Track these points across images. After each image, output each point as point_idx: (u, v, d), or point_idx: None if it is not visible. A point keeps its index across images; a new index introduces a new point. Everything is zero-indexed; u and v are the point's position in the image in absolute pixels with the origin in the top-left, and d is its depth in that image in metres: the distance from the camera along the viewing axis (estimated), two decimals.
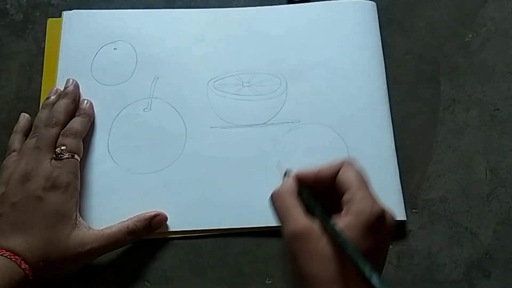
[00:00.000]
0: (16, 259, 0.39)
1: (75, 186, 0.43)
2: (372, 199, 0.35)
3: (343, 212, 0.35)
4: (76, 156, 0.44)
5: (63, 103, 0.47)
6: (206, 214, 0.46)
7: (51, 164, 0.43)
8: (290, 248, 0.35)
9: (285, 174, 0.41)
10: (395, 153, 0.48)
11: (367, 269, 0.31)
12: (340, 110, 0.50)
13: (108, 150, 0.48)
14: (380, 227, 0.35)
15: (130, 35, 0.52)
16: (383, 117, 0.50)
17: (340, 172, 0.37)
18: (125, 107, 0.50)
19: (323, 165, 0.38)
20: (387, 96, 0.51)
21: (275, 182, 0.47)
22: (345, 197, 0.36)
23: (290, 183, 0.38)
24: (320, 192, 0.38)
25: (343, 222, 0.34)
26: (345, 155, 0.48)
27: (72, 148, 0.44)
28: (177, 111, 0.50)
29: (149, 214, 0.45)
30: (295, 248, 0.35)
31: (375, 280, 0.31)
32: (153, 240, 0.46)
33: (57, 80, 0.50)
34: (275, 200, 0.38)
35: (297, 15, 0.53)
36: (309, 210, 0.36)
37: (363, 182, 0.37)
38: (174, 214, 0.46)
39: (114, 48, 0.52)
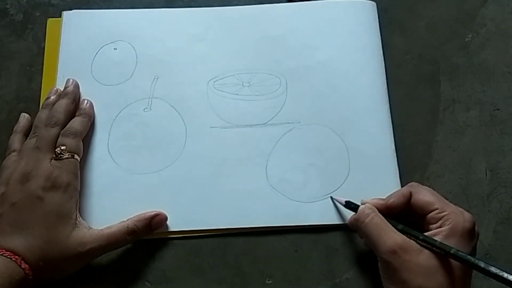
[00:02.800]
0: (16, 259, 0.39)
1: (75, 186, 0.43)
2: (459, 209, 0.40)
3: (435, 229, 0.39)
4: (76, 156, 0.44)
5: (63, 103, 0.47)
6: (206, 214, 0.46)
7: (51, 164, 0.43)
8: (391, 264, 0.38)
9: (346, 204, 0.45)
10: (395, 153, 0.48)
11: (481, 263, 0.35)
12: (340, 110, 0.50)
13: (108, 150, 0.48)
14: (473, 234, 0.39)
15: (130, 35, 0.52)
16: (383, 117, 0.50)
17: (414, 197, 0.41)
18: (125, 107, 0.50)
19: (390, 196, 0.42)
20: (387, 96, 0.51)
21: (275, 182, 0.47)
22: (432, 215, 0.39)
23: (371, 206, 0.42)
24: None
25: (440, 235, 0.38)
26: (345, 155, 0.48)
27: (72, 148, 0.44)
28: (177, 111, 0.50)
29: (149, 214, 0.45)
30: (397, 263, 0.37)
31: (494, 269, 0.35)
32: (153, 240, 0.46)
33: (57, 80, 0.50)
34: (365, 219, 0.41)
35: (297, 14, 0.53)
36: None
37: (441, 197, 0.41)
38: (174, 214, 0.46)
39: (114, 48, 0.52)
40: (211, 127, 0.49)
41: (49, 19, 0.53)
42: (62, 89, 0.49)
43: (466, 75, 0.52)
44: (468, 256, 0.36)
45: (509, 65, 0.53)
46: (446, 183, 0.48)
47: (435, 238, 0.38)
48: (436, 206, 0.40)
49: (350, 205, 0.44)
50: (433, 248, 0.38)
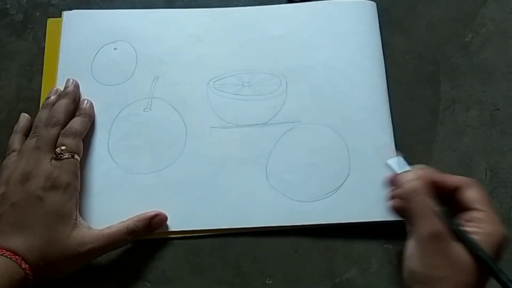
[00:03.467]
0: (16, 259, 0.39)
1: (75, 186, 0.43)
2: (499, 219, 0.38)
3: (474, 228, 0.38)
4: (76, 156, 0.44)
5: (63, 103, 0.47)
6: (206, 214, 0.46)
7: (51, 164, 0.43)
8: (427, 246, 0.37)
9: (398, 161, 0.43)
10: (395, 153, 0.48)
11: (504, 277, 0.35)
12: (340, 110, 0.50)
13: (108, 150, 0.48)
14: (505, 249, 0.38)
15: (130, 35, 0.52)
16: (383, 117, 0.50)
17: (470, 187, 0.40)
18: (125, 107, 0.50)
19: (448, 175, 0.41)
20: (387, 96, 0.51)
21: (275, 182, 0.47)
22: (474, 214, 0.38)
23: (421, 183, 0.40)
24: (433, 195, 0.40)
25: (477, 237, 0.37)
26: (345, 155, 0.48)
27: (72, 148, 0.44)
28: (177, 111, 0.50)
29: (149, 214, 0.45)
30: (433, 247, 0.37)
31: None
32: (153, 240, 0.46)
33: (57, 80, 0.50)
34: (416, 196, 0.39)
35: (297, 14, 0.53)
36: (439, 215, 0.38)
37: (492, 203, 0.39)
38: (174, 214, 0.46)
39: (114, 48, 0.52)
40: (211, 127, 0.49)
41: (49, 19, 0.53)
42: (62, 89, 0.49)
43: (466, 75, 0.52)
44: (494, 264, 0.36)
45: (509, 65, 0.53)
46: None
47: (474, 237, 0.37)
48: (480, 207, 0.38)
49: (402, 163, 0.42)
50: (463, 242, 0.37)
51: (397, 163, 0.43)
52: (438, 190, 0.40)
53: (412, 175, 0.41)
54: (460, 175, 0.48)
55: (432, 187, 0.40)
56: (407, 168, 0.42)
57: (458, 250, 0.37)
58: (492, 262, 0.36)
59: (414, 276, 0.38)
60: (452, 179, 0.40)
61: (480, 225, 0.38)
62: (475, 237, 0.37)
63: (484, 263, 0.36)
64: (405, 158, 0.43)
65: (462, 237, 0.37)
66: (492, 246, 0.37)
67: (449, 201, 0.40)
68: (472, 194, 0.39)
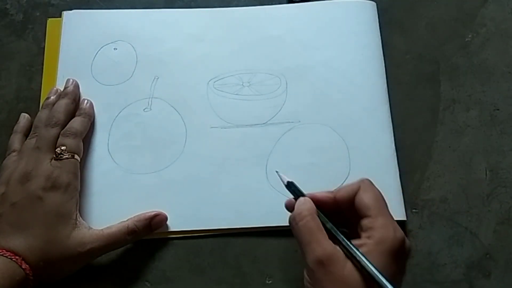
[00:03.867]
0: (17, 259, 0.39)
1: (75, 186, 0.43)
2: (393, 225, 0.36)
3: (364, 238, 0.36)
4: (76, 156, 0.44)
5: (63, 103, 0.47)
6: (206, 214, 0.46)
7: (51, 164, 0.43)
8: (316, 274, 0.35)
9: (288, 186, 0.41)
10: (395, 153, 0.49)
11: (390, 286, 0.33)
12: (340, 110, 0.50)
13: (108, 150, 0.48)
14: (403, 254, 0.36)
15: (130, 35, 0.52)
16: (383, 117, 0.50)
17: (358, 195, 0.37)
18: (125, 107, 0.50)
19: (340, 188, 0.39)
20: (387, 96, 0.51)
21: (275, 182, 0.47)
22: (365, 222, 0.36)
23: (311, 204, 0.38)
24: (335, 213, 0.38)
25: (366, 248, 0.35)
26: (345, 155, 0.48)
27: (72, 148, 0.44)
28: (177, 111, 0.50)
29: (149, 214, 0.45)
30: (321, 274, 0.35)
31: None
32: (153, 240, 0.46)
33: (57, 80, 0.50)
34: (299, 221, 0.37)
35: (297, 15, 0.53)
36: (329, 234, 0.36)
37: (383, 207, 0.37)
38: (174, 214, 0.46)
39: (114, 48, 0.52)
40: (211, 127, 0.49)
41: (49, 19, 0.53)
42: (62, 89, 0.49)
43: (466, 75, 0.52)
44: (382, 279, 0.33)
45: (509, 65, 0.53)
46: (446, 183, 0.48)
47: (362, 249, 0.35)
48: (370, 213, 0.36)
49: (291, 188, 0.40)
50: (353, 259, 0.35)
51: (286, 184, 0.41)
52: (340, 206, 0.38)
53: (300, 200, 0.39)
54: (460, 175, 0.48)
55: (331, 206, 0.38)
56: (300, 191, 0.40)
57: (349, 270, 0.34)
58: (378, 275, 0.33)
59: None
60: (346, 190, 0.38)
61: (370, 234, 0.35)
62: (364, 248, 0.35)
63: (373, 279, 0.33)
64: (294, 185, 0.41)
65: (349, 254, 0.35)
66: (382, 254, 0.34)
67: (357, 220, 0.37)
68: (362, 200, 0.37)
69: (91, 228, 0.43)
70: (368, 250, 0.35)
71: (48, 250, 0.40)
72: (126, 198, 0.46)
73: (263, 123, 0.49)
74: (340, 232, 0.37)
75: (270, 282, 0.45)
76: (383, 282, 0.33)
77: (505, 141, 0.50)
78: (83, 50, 0.52)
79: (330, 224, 0.37)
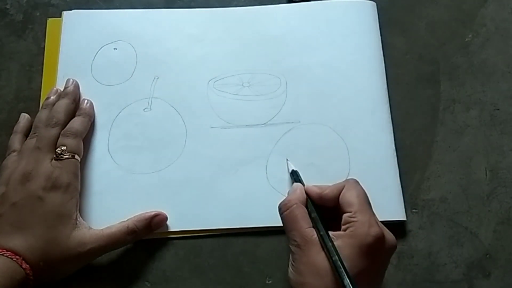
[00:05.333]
0: (17, 259, 0.39)
1: (75, 186, 0.44)
2: (371, 222, 0.38)
3: (341, 231, 0.38)
4: (76, 156, 0.44)
5: (63, 103, 0.47)
6: (206, 214, 0.46)
7: (51, 165, 0.43)
8: (294, 255, 0.38)
9: (292, 173, 0.45)
10: (395, 153, 0.49)
11: (346, 281, 0.35)
12: (340, 110, 0.50)
13: (108, 150, 0.48)
14: (377, 250, 0.37)
15: (130, 35, 0.52)
16: (383, 117, 0.50)
17: (343, 192, 0.40)
18: (125, 107, 0.50)
19: (327, 186, 0.42)
20: (387, 96, 0.51)
21: (275, 182, 0.47)
22: (345, 217, 0.39)
23: (301, 193, 0.42)
24: (324, 209, 0.41)
25: (340, 239, 0.37)
26: (345, 155, 0.48)
27: (72, 148, 0.44)
28: (177, 111, 0.50)
29: (149, 214, 0.45)
30: (299, 256, 0.38)
31: None
32: (153, 240, 0.46)
33: (57, 80, 0.50)
34: (286, 209, 0.41)
35: (297, 14, 0.53)
36: (313, 224, 0.39)
37: (364, 204, 0.40)
38: (174, 214, 0.46)
39: (114, 48, 0.52)
40: (211, 127, 0.49)
41: (49, 19, 0.53)
42: (62, 89, 0.49)
43: (466, 75, 0.52)
44: (341, 270, 0.35)
45: (509, 65, 0.53)
46: (446, 183, 0.48)
47: (335, 240, 0.37)
48: (351, 209, 0.39)
49: (293, 176, 0.45)
50: (324, 249, 0.37)
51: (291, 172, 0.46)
52: (325, 203, 0.41)
53: (294, 187, 0.43)
54: (460, 175, 0.48)
55: (319, 201, 0.41)
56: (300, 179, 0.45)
57: (322, 257, 0.37)
58: (339, 266, 0.35)
59: (289, 281, 0.39)
60: (332, 188, 0.41)
61: (346, 227, 0.38)
62: (338, 240, 0.37)
63: (335, 270, 0.36)
64: (298, 174, 0.46)
65: (322, 243, 0.38)
66: (353, 247, 0.37)
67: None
68: (345, 197, 0.40)
69: (91, 228, 0.43)
70: (341, 242, 0.37)
71: (48, 250, 0.40)
72: (126, 198, 0.46)
73: (263, 123, 0.49)
74: (322, 223, 0.39)
75: (270, 282, 0.45)
76: (342, 272, 0.35)
77: (505, 141, 0.50)
78: (83, 50, 0.52)
79: (315, 214, 0.40)
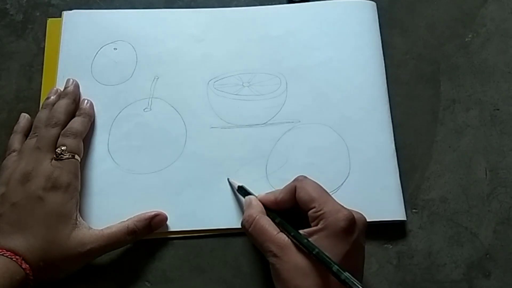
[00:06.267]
0: (17, 259, 0.39)
1: (75, 187, 0.43)
2: (337, 207, 0.39)
3: (313, 226, 0.39)
4: (76, 157, 0.44)
5: (63, 103, 0.47)
6: (206, 214, 0.46)
7: (51, 165, 0.43)
8: (275, 266, 0.38)
9: (239, 189, 0.45)
10: (395, 153, 0.49)
11: (335, 267, 0.35)
12: (340, 110, 0.50)
13: (108, 150, 0.48)
14: (352, 231, 0.38)
15: (130, 35, 0.52)
16: (383, 117, 0.50)
17: (297, 193, 0.41)
18: (125, 107, 0.50)
19: (279, 191, 0.42)
20: (387, 96, 0.51)
21: (275, 182, 0.47)
22: (310, 213, 0.39)
23: (258, 204, 0.42)
24: (282, 213, 0.41)
25: (315, 235, 0.38)
26: (345, 155, 0.48)
27: (72, 148, 0.44)
28: (177, 111, 0.50)
29: (149, 214, 0.45)
30: (279, 265, 0.38)
31: (344, 276, 0.35)
32: (153, 240, 0.46)
33: (57, 80, 0.50)
34: (250, 225, 0.41)
35: (297, 15, 0.53)
36: (280, 229, 0.40)
37: (323, 194, 0.40)
38: (174, 214, 0.46)
39: (114, 48, 0.52)
40: (211, 127, 0.49)
41: (49, 19, 0.53)
42: (62, 89, 0.49)
43: (466, 75, 0.52)
44: (327, 259, 0.36)
45: (509, 65, 0.53)
46: (446, 183, 0.48)
47: (311, 238, 0.38)
48: (314, 204, 0.39)
49: (241, 191, 0.45)
50: (301, 247, 0.38)
51: (237, 189, 0.46)
52: (282, 207, 0.42)
53: (247, 201, 0.43)
54: (460, 175, 0.48)
55: (275, 207, 0.42)
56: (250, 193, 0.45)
57: (300, 257, 0.37)
58: (323, 257, 0.36)
59: None
60: (284, 191, 0.42)
61: (316, 222, 0.38)
62: (314, 236, 0.38)
63: (320, 262, 0.36)
64: (244, 188, 0.45)
65: (297, 241, 0.38)
66: (328, 237, 0.37)
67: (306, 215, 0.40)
68: (301, 198, 0.40)
69: (91, 228, 0.43)
70: (316, 237, 0.38)
71: (48, 250, 0.40)
72: (126, 198, 0.46)
73: (263, 123, 0.49)
74: (289, 224, 0.39)
75: (270, 282, 0.45)
76: (328, 261, 0.36)
77: (505, 141, 0.50)
78: (83, 50, 0.52)
79: (279, 218, 0.40)
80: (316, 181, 0.42)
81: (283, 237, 0.39)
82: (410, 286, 0.45)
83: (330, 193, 0.46)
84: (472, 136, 0.50)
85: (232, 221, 0.46)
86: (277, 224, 0.40)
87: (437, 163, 0.49)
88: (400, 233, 0.47)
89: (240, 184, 0.46)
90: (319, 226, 0.38)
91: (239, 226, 0.46)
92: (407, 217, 0.47)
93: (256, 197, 0.43)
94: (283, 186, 0.43)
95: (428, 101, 0.52)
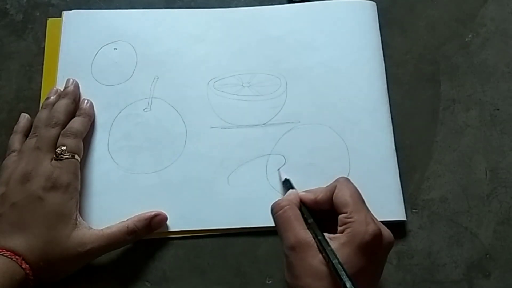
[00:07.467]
0: (17, 259, 0.39)
1: (75, 187, 0.44)
2: (367, 220, 0.38)
3: (338, 232, 0.38)
4: (76, 156, 0.44)
5: (63, 103, 0.47)
6: (206, 214, 0.46)
7: (51, 165, 0.43)
8: (289, 258, 0.38)
9: (284, 182, 0.45)
10: (395, 153, 0.49)
11: (348, 284, 0.34)
12: (340, 110, 0.50)
13: (108, 150, 0.48)
14: (375, 247, 0.37)
15: (130, 35, 0.52)
16: (383, 117, 0.50)
17: (335, 193, 0.40)
18: (125, 107, 0.50)
19: (320, 189, 0.41)
20: (387, 96, 0.51)
21: (275, 182, 0.47)
22: (341, 217, 0.38)
23: (295, 197, 0.41)
24: (320, 213, 0.40)
25: (338, 241, 0.37)
26: (345, 155, 0.48)
27: (72, 148, 0.44)
28: (177, 111, 0.50)
29: (149, 214, 0.45)
30: (293, 259, 0.37)
31: None
32: (153, 240, 0.46)
33: (57, 80, 0.50)
34: (279, 209, 0.40)
35: (297, 15, 0.53)
36: (308, 227, 0.39)
37: (359, 202, 0.39)
38: (174, 214, 0.46)
39: (114, 48, 0.52)
40: (211, 127, 0.49)
41: (49, 19, 0.53)
42: (62, 89, 0.49)
43: (466, 75, 0.52)
44: (342, 273, 0.35)
45: (509, 65, 0.53)
46: (446, 183, 0.48)
47: (332, 242, 0.37)
48: (347, 210, 0.38)
49: (286, 184, 0.45)
50: (322, 253, 0.37)
51: (283, 180, 0.46)
52: (320, 207, 0.41)
53: (288, 192, 0.43)
54: (460, 175, 0.48)
55: (313, 206, 0.41)
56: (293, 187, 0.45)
57: (319, 260, 0.37)
58: (340, 269, 0.35)
59: (287, 285, 0.38)
60: (324, 191, 0.41)
61: (344, 229, 0.38)
62: (335, 242, 0.37)
63: (335, 273, 0.35)
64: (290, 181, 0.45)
65: (321, 247, 0.37)
66: (351, 248, 0.36)
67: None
68: (338, 199, 0.39)
69: (91, 228, 0.43)
70: (338, 243, 0.37)
71: (48, 250, 0.40)
72: (126, 198, 0.46)
73: (263, 124, 0.49)
74: (316, 225, 0.39)
75: (270, 282, 0.45)
76: (343, 275, 0.35)
77: (505, 141, 0.50)
78: (83, 50, 0.52)
79: (312, 219, 0.40)
80: (355, 186, 0.41)
81: (307, 235, 0.38)
82: (410, 286, 0.45)
83: None
84: (472, 136, 0.50)
85: (232, 221, 0.46)
86: (308, 224, 0.39)
87: (437, 163, 0.49)
88: (400, 233, 0.47)
89: (287, 177, 0.46)
90: (345, 233, 0.37)
91: (239, 226, 0.46)
92: (407, 217, 0.47)
93: (298, 193, 0.43)
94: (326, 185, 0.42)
95: (428, 101, 0.52)
